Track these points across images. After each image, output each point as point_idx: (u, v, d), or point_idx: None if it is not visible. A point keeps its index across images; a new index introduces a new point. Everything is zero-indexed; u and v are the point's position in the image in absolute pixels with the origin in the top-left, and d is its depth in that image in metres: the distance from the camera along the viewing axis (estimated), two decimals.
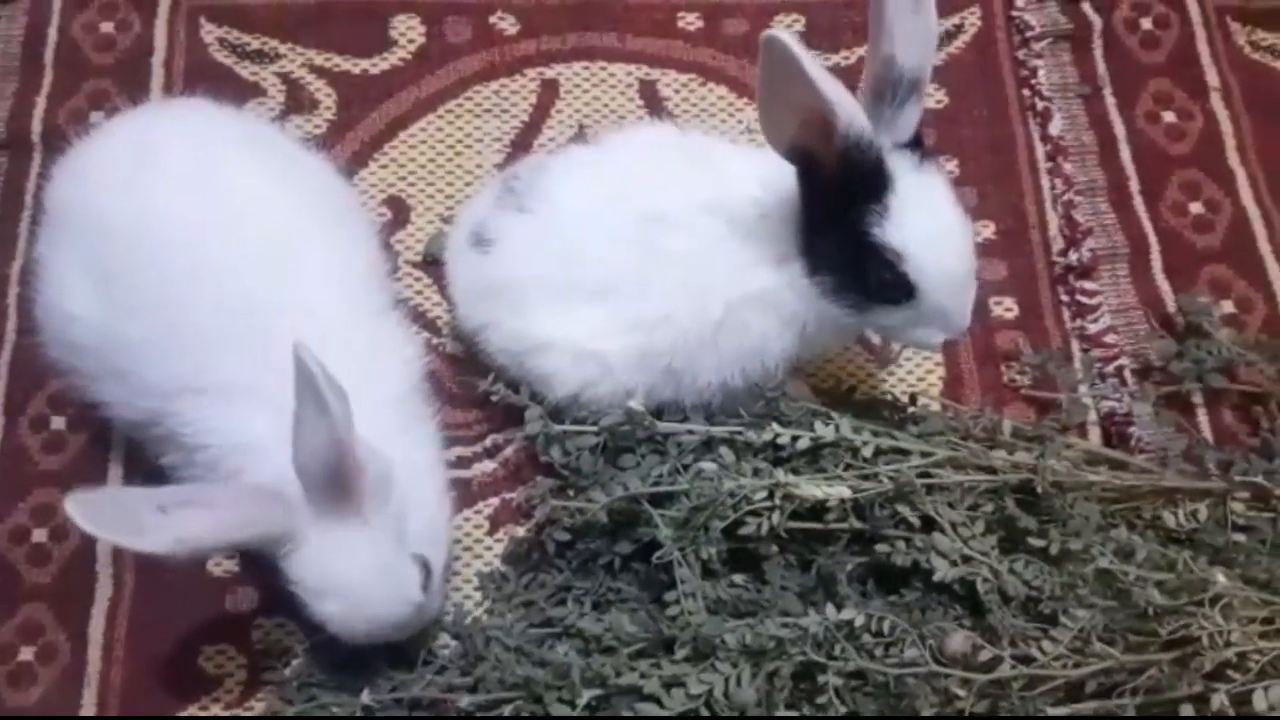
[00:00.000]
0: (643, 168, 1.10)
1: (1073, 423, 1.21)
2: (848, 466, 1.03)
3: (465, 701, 0.98)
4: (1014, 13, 1.47)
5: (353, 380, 0.93)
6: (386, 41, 1.42)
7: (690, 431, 1.07)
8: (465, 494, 1.19)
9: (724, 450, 1.04)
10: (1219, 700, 0.90)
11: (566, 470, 1.09)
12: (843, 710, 0.93)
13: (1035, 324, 1.31)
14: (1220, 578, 0.95)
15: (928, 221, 0.98)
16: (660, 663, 0.95)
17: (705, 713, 0.92)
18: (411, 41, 1.42)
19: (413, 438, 1.05)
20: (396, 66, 1.41)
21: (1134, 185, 1.39)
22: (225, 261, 1.03)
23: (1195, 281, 1.34)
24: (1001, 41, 1.46)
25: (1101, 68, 1.44)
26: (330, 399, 0.88)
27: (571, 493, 1.08)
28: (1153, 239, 1.36)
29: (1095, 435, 1.24)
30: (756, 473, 1.01)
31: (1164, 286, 1.33)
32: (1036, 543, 1.01)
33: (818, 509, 1.02)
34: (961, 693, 0.92)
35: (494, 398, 1.10)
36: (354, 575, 0.95)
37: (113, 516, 0.89)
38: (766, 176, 1.04)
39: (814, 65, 0.91)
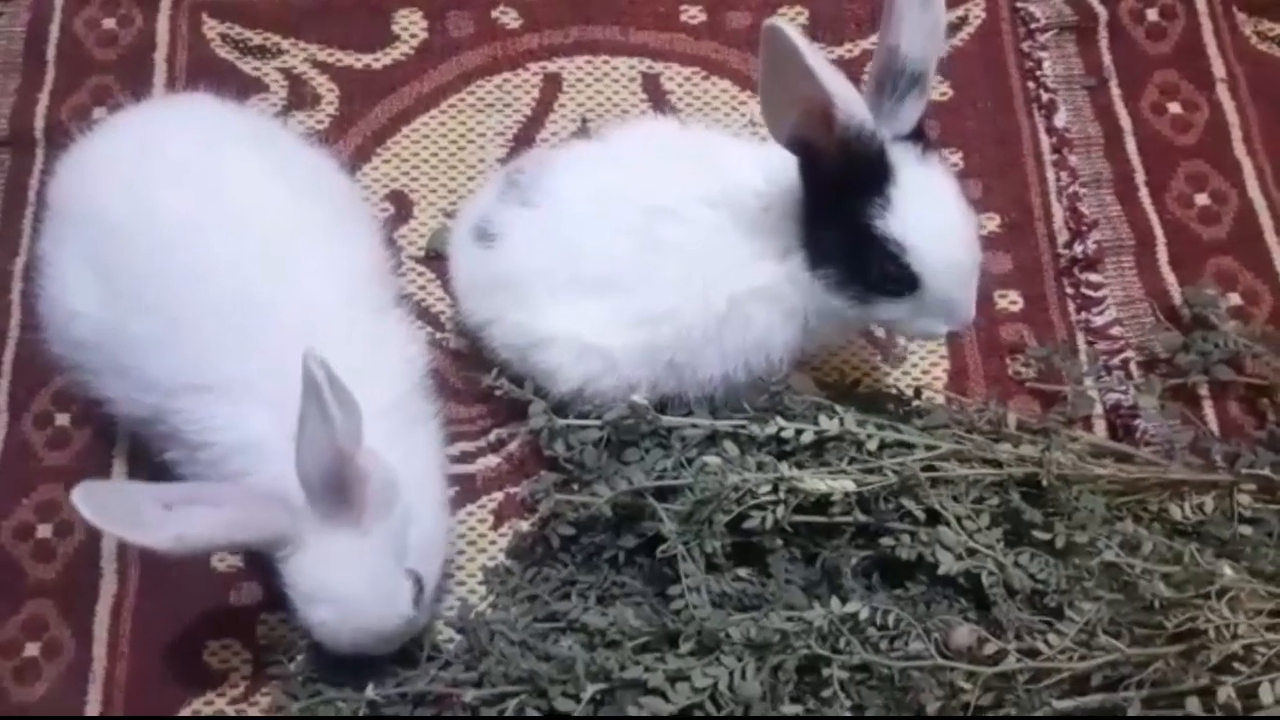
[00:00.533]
0: (646, 162, 1.10)
1: (1078, 415, 1.21)
2: (852, 460, 1.03)
3: (470, 696, 0.98)
4: (1019, 4, 1.47)
5: (354, 379, 0.93)
6: (389, 36, 1.42)
7: (694, 425, 1.07)
8: (469, 489, 1.19)
9: (728, 444, 1.04)
10: (1225, 693, 0.90)
11: (570, 465, 1.09)
12: (848, 704, 0.93)
13: (1040, 316, 1.30)
14: (1227, 570, 0.95)
15: (930, 213, 0.98)
16: (665, 657, 0.95)
17: (710, 707, 0.92)
18: (414, 36, 1.43)
19: (413, 445, 1.05)
20: (399, 61, 1.41)
21: (1140, 177, 1.38)
22: (228, 258, 1.03)
23: (1201, 273, 1.33)
24: (1006, 33, 1.46)
25: (1107, 59, 1.44)
26: (334, 409, 0.88)
27: (575, 487, 1.08)
28: (1158, 231, 1.35)
29: (1101, 428, 1.24)
30: (761, 466, 1.01)
31: (1170, 278, 1.33)
32: (1042, 536, 1.01)
33: (822, 503, 1.01)
34: (967, 686, 0.92)
35: (498, 392, 1.10)
36: (347, 585, 0.96)
37: (117, 509, 0.90)
38: (769, 169, 1.04)
39: (815, 55, 0.91)
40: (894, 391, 1.20)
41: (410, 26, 1.43)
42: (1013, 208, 1.37)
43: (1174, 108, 1.42)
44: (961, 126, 1.39)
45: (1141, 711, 0.92)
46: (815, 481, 1.00)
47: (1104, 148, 1.39)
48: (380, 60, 1.41)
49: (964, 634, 0.93)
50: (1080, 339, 1.29)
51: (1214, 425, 1.25)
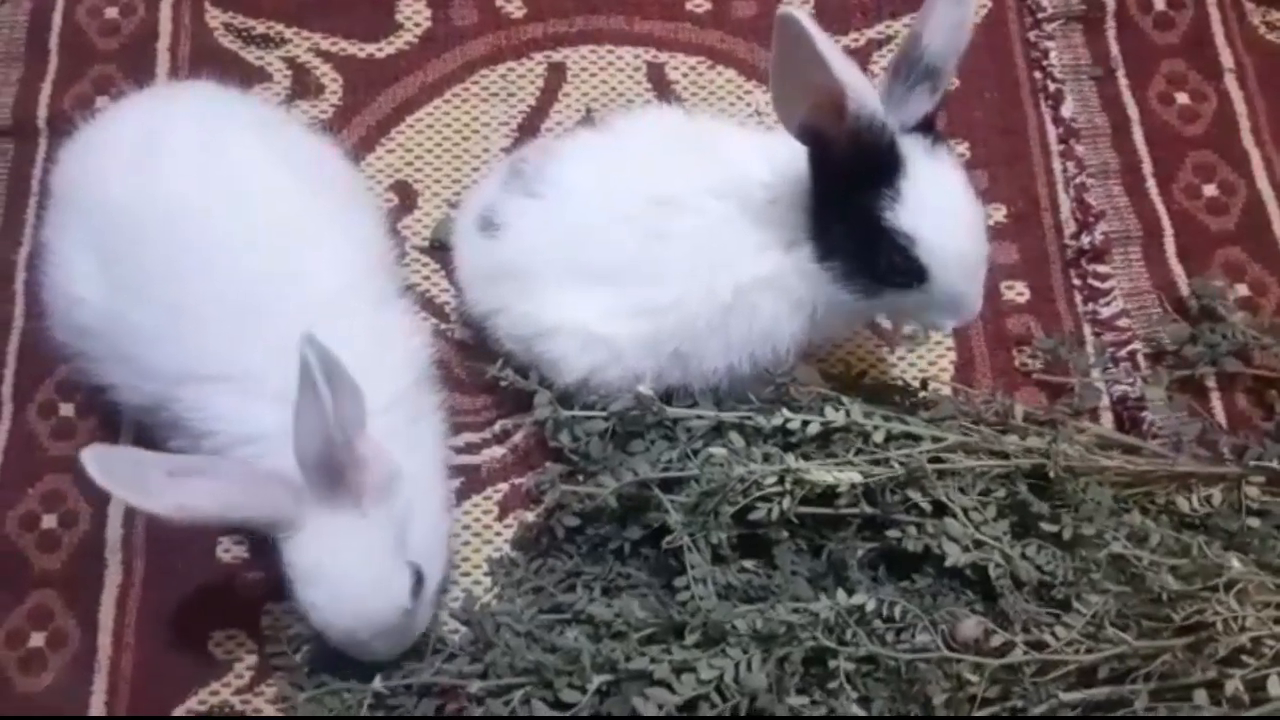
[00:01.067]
0: (651, 151, 1.09)
1: (1085, 407, 1.21)
2: (858, 451, 1.03)
3: (475, 688, 0.98)
4: None
5: (357, 371, 0.94)
6: (392, 25, 1.42)
7: (699, 417, 1.07)
8: (474, 480, 1.19)
9: (734, 435, 1.04)
10: (1233, 686, 0.90)
11: (575, 455, 1.09)
12: (854, 696, 0.93)
13: (1047, 308, 1.30)
14: (1235, 563, 0.95)
15: (939, 205, 0.98)
16: (670, 648, 0.95)
17: (715, 698, 0.92)
18: (417, 25, 1.42)
19: (416, 442, 1.05)
20: (402, 50, 1.40)
21: (1147, 168, 1.38)
22: (231, 246, 1.03)
23: (1209, 265, 1.33)
24: (1013, 23, 1.45)
25: (1114, 49, 1.43)
26: (324, 391, 0.88)
27: (581, 478, 1.08)
28: (1166, 222, 1.35)
29: (1108, 420, 1.24)
30: (767, 458, 1.01)
31: (1177, 270, 1.32)
32: (1049, 528, 1.01)
33: (828, 494, 1.01)
34: (973, 678, 0.92)
35: (502, 383, 1.10)
36: (344, 567, 0.96)
37: (124, 474, 0.91)
38: (776, 160, 1.04)
39: (827, 44, 0.90)
40: (900, 383, 1.19)
41: (414, 15, 1.43)
42: (1019, 198, 1.36)
43: (1182, 98, 1.41)
44: (968, 117, 1.39)
45: (1148, 704, 0.92)
46: (821, 473, 0.99)
47: (1111, 138, 1.39)
48: (384, 49, 1.40)
49: (970, 626, 0.93)
50: (1087, 330, 1.29)
51: (1221, 417, 1.25)
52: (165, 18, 1.41)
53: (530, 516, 1.16)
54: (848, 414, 1.04)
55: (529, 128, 1.37)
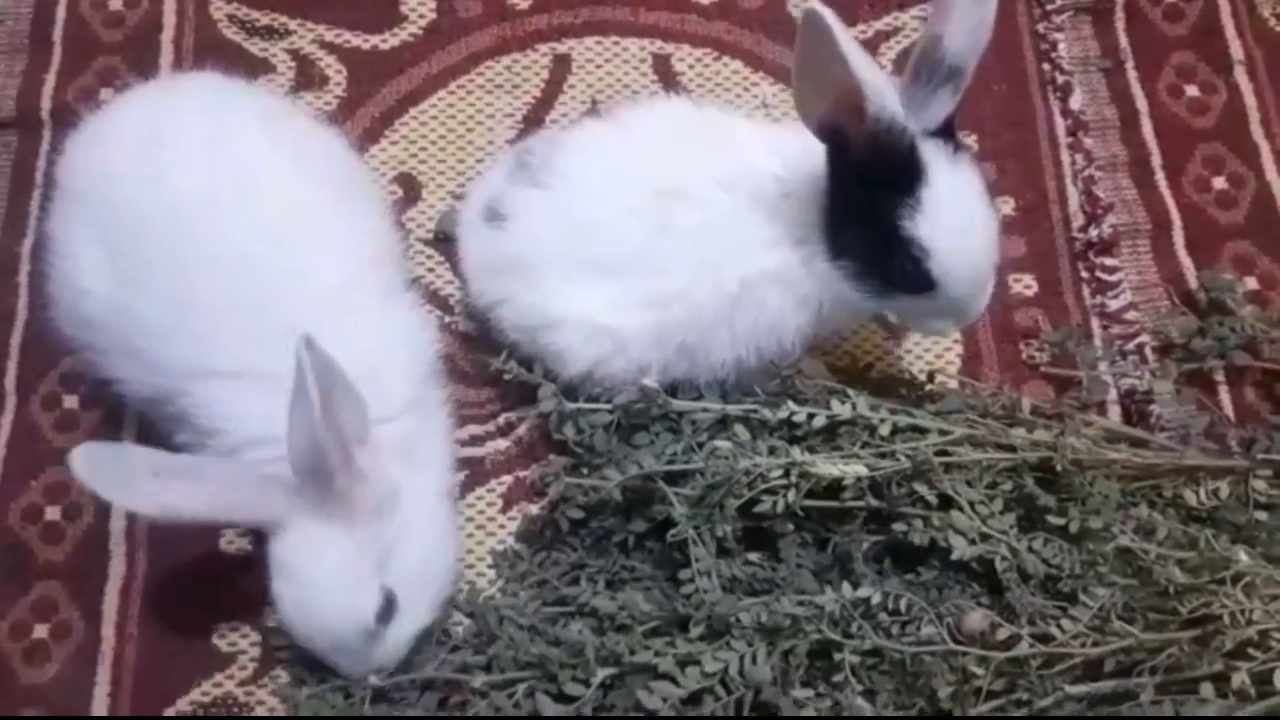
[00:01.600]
0: (659, 142, 1.10)
1: (1092, 400, 1.21)
2: (864, 445, 1.03)
3: (479, 682, 0.98)
4: None
5: (370, 369, 0.95)
6: (397, 17, 1.42)
7: (705, 409, 1.07)
8: (478, 472, 1.19)
9: (739, 428, 1.04)
10: (1240, 679, 0.90)
11: (580, 448, 1.09)
12: (859, 689, 0.94)
13: (1054, 301, 1.30)
14: (1242, 556, 0.95)
15: (958, 218, 0.98)
16: (675, 641, 0.95)
17: (720, 691, 0.93)
18: (422, 17, 1.42)
19: (423, 459, 1.06)
20: (407, 42, 1.40)
21: (1156, 160, 1.38)
22: (237, 239, 1.03)
23: (1218, 258, 1.33)
24: (1021, 14, 1.45)
25: (1123, 41, 1.43)
26: (316, 398, 0.88)
27: (585, 471, 1.08)
28: (1175, 215, 1.35)
29: (1115, 414, 1.24)
30: (772, 451, 1.01)
31: (1186, 263, 1.32)
32: (1056, 521, 1.01)
33: (834, 487, 1.01)
34: (979, 671, 0.93)
35: (507, 376, 1.10)
36: (316, 573, 0.96)
37: (109, 473, 0.92)
38: (787, 154, 1.04)
39: (850, 42, 0.90)
40: (906, 376, 1.20)
41: (418, 7, 1.43)
42: (1027, 191, 1.36)
43: (1191, 90, 1.41)
44: (976, 109, 1.38)
45: (1154, 697, 0.93)
46: (827, 466, 1.00)
47: (1120, 130, 1.39)
48: (388, 41, 1.40)
49: (976, 619, 0.94)
50: (1095, 324, 1.29)
51: (1229, 410, 1.25)
52: (169, 10, 1.42)
53: (534, 509, 1.16)
54: (854, 407, 1.04)
55: (534, 119, 1.37)
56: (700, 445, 1.04)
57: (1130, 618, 0.94)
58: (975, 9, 0.96)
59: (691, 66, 1.41)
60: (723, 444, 1.02)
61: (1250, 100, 1.40)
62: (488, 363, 1.14)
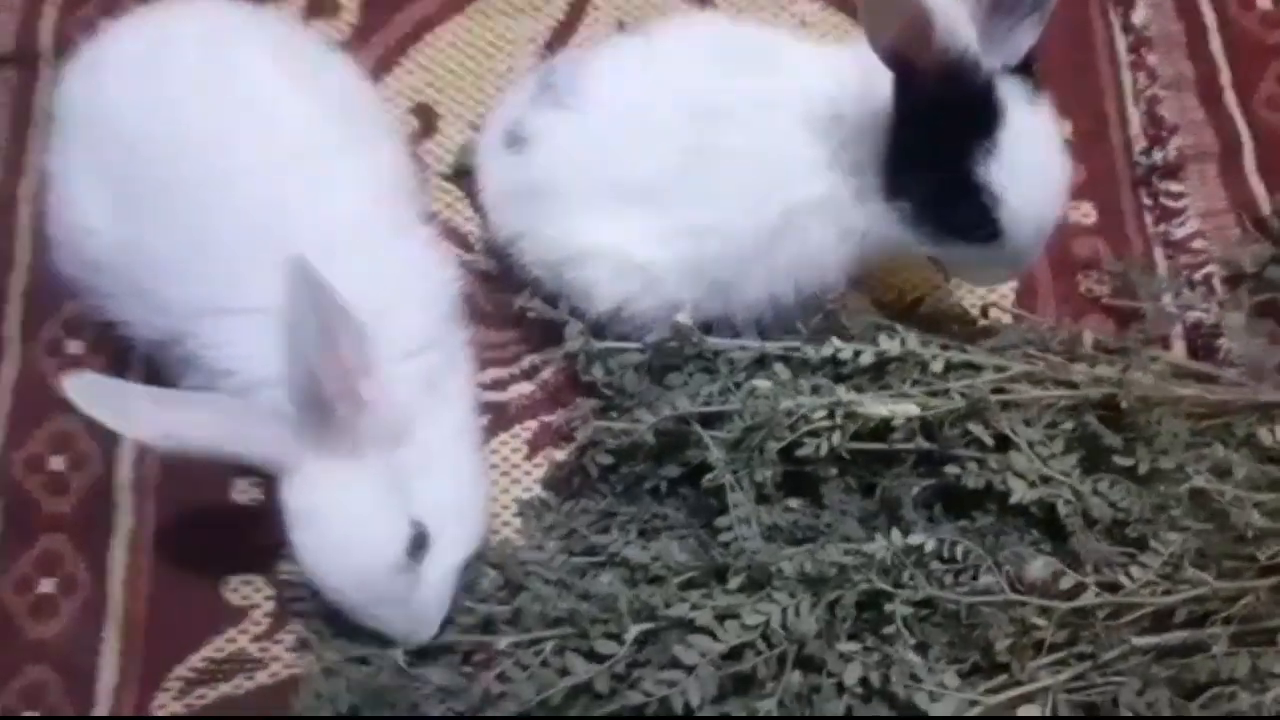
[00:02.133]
0: (696, 59, 1.03)
1: (1159, 334, 1.16)
2: (915, 383, 0.99)
3: (505, 643, 0.94)
4: None
5: (389, 306, 0.93)
6: None
7: (742, 348, 1.03)
8: (502, 417, 1.15)
9: (779, 367, 1.00)
10: None
11: (609, 390, 1.05)
12: (911, 641, 0.89)
13: (1115, 230, 1.25)
14: None
15: (1034, 166, 0.93)
16: (712, 593, 0.92)
17: (761, 645, 0.88)
18: None
19: (450, 391, 1.02)
20: None
21: (1225, 78, 1.32)
22: (245, 172, 0.99)
23: None
24: None
25: None
26: (313, 324, 0.85)
27: (615, 414, 1.04)
28: (1245, 136, 1.29)
29: (1179, 349, 1.19)
30: (815, 390, 0.97)
31: (1257, 187, 1.27)
32: (1122, 462, 0.96)
33: (881, 429, 0.97)
34: (1041, 622, 0.89)
35: (530, 314, 1.06)
36: (332, 514, 0.92)
37: (108, 400, 0.89)
38: (842, 77, 0.98)
39: None
40: (958, 311, 1.15)
41: None
42: (1086, 113, 1.30)
43: (1263, 3, 1.35)
44: None
45: (1229, 649, 0.89)
46: (875, 405, 0.95)
47: (1186, 47, 1.33)
48: None
49: (1039, 567, 0.89)
50: (1159, 253, 1.24)
51: None
52: None
53: (561, 455, 1.12)
54: (903, 343, 1.00)
55: (557, 44, 1.32)
56: (737, 386, 1.00)
57: (1203, 565, 0.91)
58: None
59: None
60: (762, 384, 0.98)
61: None
62: (510, 301, 1.10)
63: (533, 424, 1.15)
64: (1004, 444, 0.97)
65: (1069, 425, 0.99)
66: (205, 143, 0.99)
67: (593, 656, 0.90)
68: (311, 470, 0.92)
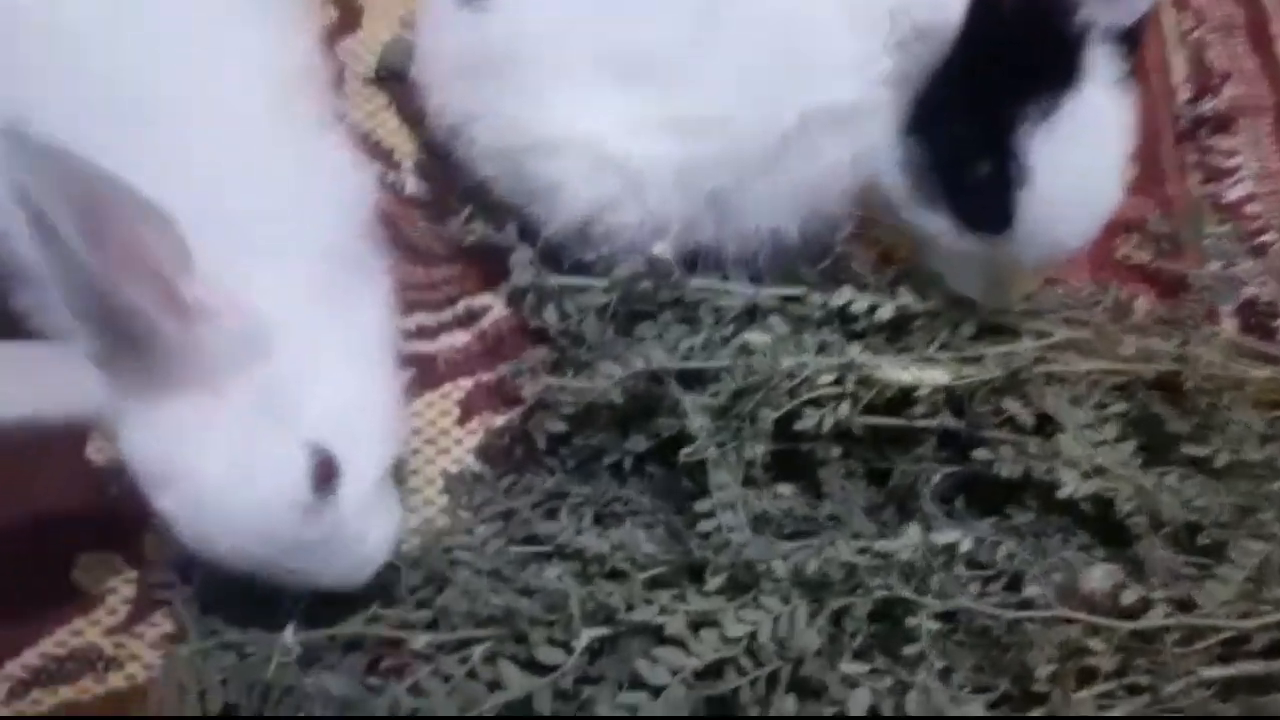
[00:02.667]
0: None
1: (1220, 304, 1.07)
2: (942, 346, 0.87)
3: (421, 642, 0.82)
4: None
5: (279, 207, 0.82)
6: None
7: (730, 293, 0.91)
8: (429, 373, 1.03)
9: (775, 320, 0.89)
10: None
11: (564, 340, 0.95)
12: (938, 665, 0.77)
13: (1156, 189, 1.16)
14: None
15: (1088, 160, 0.82)
16: (685, 595, 0.81)
17: (746, 662, 0.77)
18: None
19: (346, 290, 0.88)
20: None
21: (1276, 27, 1.27)
22: (123, 48, 0.85)
23: None
24: None
25: None
26: (62, 214, 0.68)
27: (570, 370, 0.93)
28: None
29: (1230, 325, 1.09)
30: (822, 348, 0.85)
31: None
32: (1194, 452, 0.86)
33: (896, 401, 0.87)
34: (1095, 645, 0.77)
35: (469, 239, 0.96)
36: (195, 459, 0.77)
37: None
38: None
39: None
40: None
41: None
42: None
43: None
44: None
45: None
46: (896, 371, 0.85)
47: None
48: None
49: (1099, 576, 0.78)
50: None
51: None
52: None
53: (500, 420, 1.00)
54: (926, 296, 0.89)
55: None
56: (725, 341, 0.89)
57: None
58: None
59: None
60: (757, 337, 0.86)
61: None
62: (441, 233, 1.02)
63: (466, 382, 1.04)
64: (1043, 426, 0.87)
65: (1120, 407, 0.89)
66: (79, 25, 0.84)
67: (533, 667, 0.80)
68: (145, 415, 0.77)
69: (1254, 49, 1.25)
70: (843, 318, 0.89)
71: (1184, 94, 1.22)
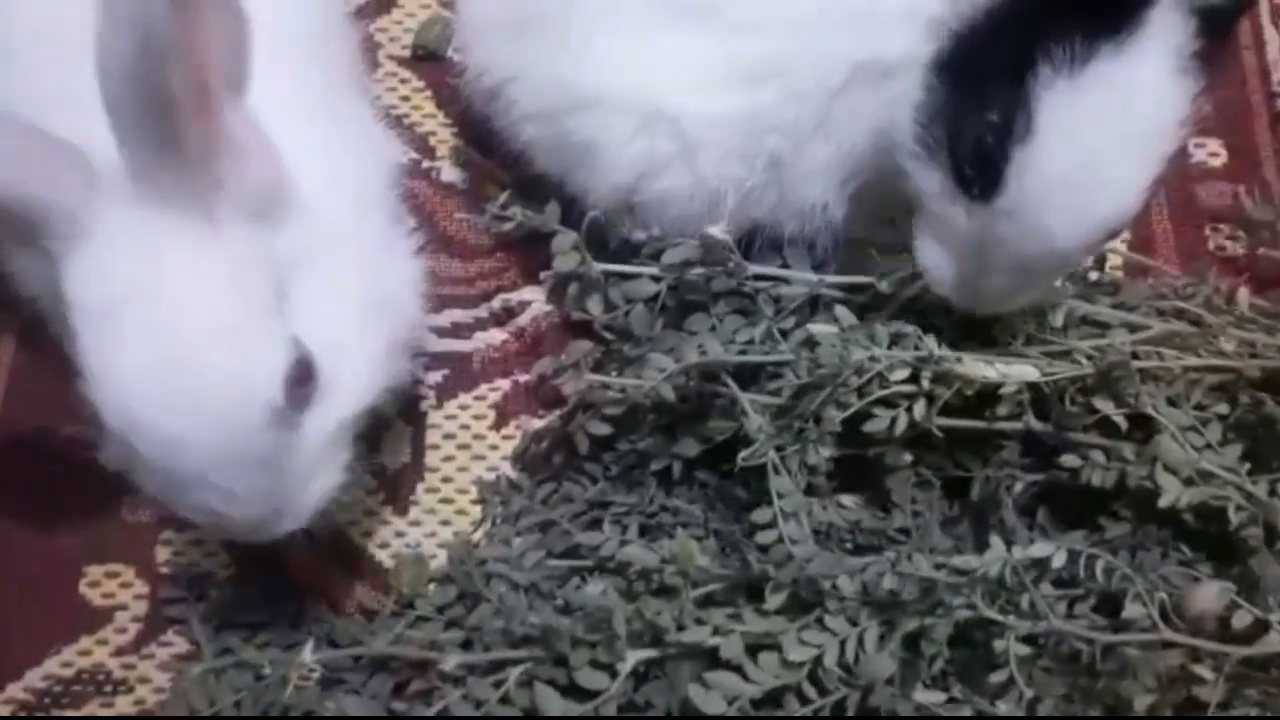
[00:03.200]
0: None
1: None
2: (1028, 340, 0.81)
3: (452, 664, 0.78)
4: None
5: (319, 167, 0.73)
6: None
7: (787, 282, 0.85)
8: (463, 373, 1.01)
9: (842, 311, 0.83)
10: None
11: (610, 333, 0.91)
12: (1028, 694, 0.71)
13: (1250, 173, 1.11)
14: None
15: (1105, 140, 0.72)
16: (742, 614, 0.76)
17: (810, 690, 0.72)
18: None
19: (373, 226, 0.81)
20: None
21: None
22: None
23: None
24: None
25: None
26: None
27: (615, 369, 0.90)
28: None
29: None
30: (896, 341, 0.79)
31: None
32: None
33: (974, 401, 0.80)
34: (1203, 673, 0.71)
35: (506, 226, 0.90)
36: (167, 303, 0.66)
37: None
38: None
39: None
40: None
41: None
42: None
43: None
44: None
45: None
46: (978, 366, 0.78)
47: None
48: None
49: (1212, 595, 0.71)
50: None
51: None
52: None
53: (539, 423, 0.97)
54: None
55: None
56: (784, 334, 0.83)
57: None
58: None
59: None
60: (822, 328, 0.80)
61: None
62: (477, 225, 0.98)
63: (503, 383, 1.00)
64: (1137, 429, 0.80)
65: (1221, 408, 0.82)
66: None
67: (573, 692, 0.77)
68: (125, 230, 0.67)
69: None
70: (916, 308, 0.82)
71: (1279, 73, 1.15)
